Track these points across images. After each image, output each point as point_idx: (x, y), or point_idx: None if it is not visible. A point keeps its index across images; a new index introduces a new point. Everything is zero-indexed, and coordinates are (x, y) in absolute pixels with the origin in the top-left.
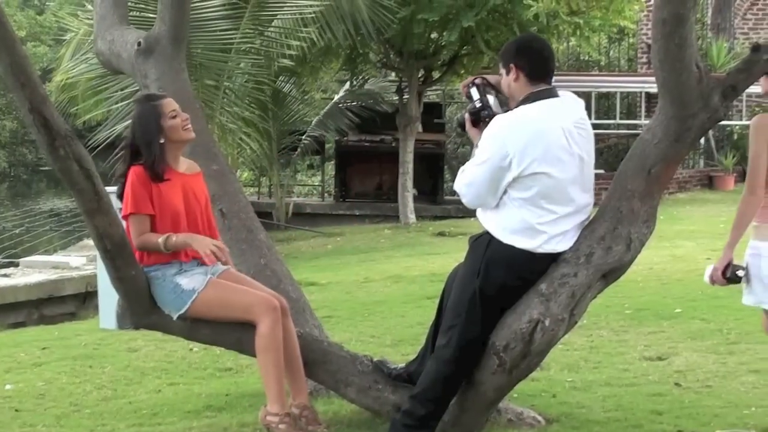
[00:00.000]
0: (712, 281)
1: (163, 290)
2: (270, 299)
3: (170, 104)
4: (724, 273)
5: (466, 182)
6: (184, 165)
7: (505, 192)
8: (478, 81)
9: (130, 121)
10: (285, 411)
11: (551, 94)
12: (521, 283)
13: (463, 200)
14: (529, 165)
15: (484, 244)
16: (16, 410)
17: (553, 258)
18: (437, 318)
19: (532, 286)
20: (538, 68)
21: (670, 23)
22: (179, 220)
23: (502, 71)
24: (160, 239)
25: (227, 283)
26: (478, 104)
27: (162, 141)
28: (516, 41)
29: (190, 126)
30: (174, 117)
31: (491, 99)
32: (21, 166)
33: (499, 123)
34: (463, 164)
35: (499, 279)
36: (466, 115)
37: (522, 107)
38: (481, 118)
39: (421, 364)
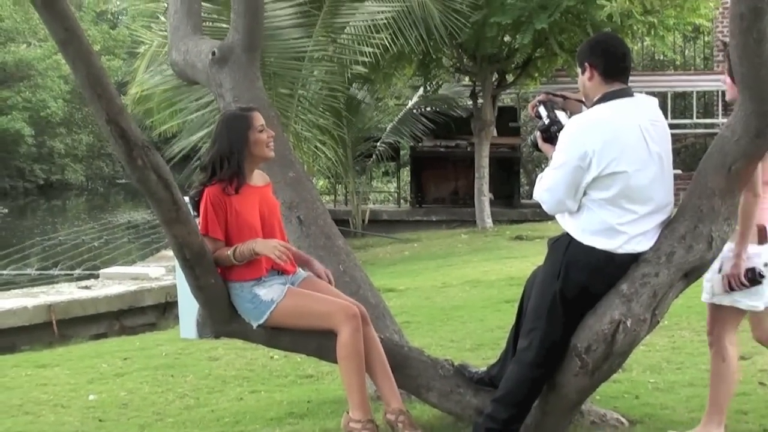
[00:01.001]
0: (731, 287)
1: (242, 300)
2: (349, 306)
3: (260, 118)
4: (746, 275)
5: (546, 188)
6: (256, 177)
7: (584, 194)
8: (543, 98)
9: (206, 131)
10: (368, 417)
11: (626, 93)
12: (602, 284)
13: (544, 207)
14: (609, 164)
15: (564, 245)
16: (100, 420)
17: (633, 258)
18: (517, 321)
19: (613, 287)
20: (613, 66)
21: (748, 18)
22: (255, 233)
23: (578, 70)
24: (229, 251)
25: (306, 291)
26: (547, 120)
27: (245, 153)
28: (590, 40)
29: (272, 145)
30: (261, 131)
31: (560, 114)
32: (98, 180)
33: (576, 124)
34: (539, 167)
35: (580, 281)
36: (537, 134)
37: (597, 107)
38: (552, 134)
39: (502, 367)
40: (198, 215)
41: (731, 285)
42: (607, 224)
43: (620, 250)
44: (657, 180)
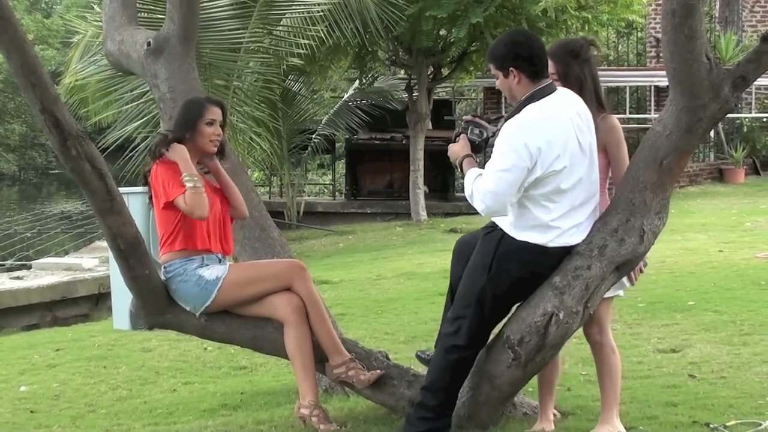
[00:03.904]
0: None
1: (186, 285)
2: (295, 261)
3: (215, 112)
4: None
5: (492, 190)
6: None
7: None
8: (468, 118)
9: (141, 121)
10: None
11: (552, 88)
12: (533, 277)
13: (486, 209)
14: (552, 163)
15: (496, 239)
16: (32, 411)
17: (566, 251)
18: (450, 298)
19: (546, 280)
20: (540, 67)
21: (680, 14)
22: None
23: (497, 73)
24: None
25: (248, 262)
26: (478, 139)
27: (188, 137)
28: (509, 43)
29: (216, 142)
30: (210, 125)
31: (490, 127)
32: (31, 170)
33: (518, 125)
34: None
35: (511, 274)
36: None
37: (530, 107)
38: (489, 144)
39: None
40: (150, 191)
41: (634, 277)
42: (540, 221)
43: (552, 244)
44: (587, 172)
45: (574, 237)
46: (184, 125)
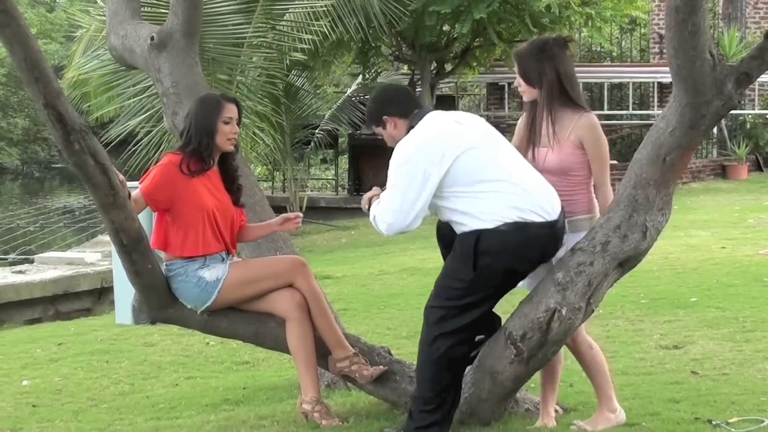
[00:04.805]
0: None
1: (186, 285)
2: (296, 257)
3: (231, 110)
4: None
5: (392, 208)
6: None
7: (449, 200)
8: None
9: (144, 116)
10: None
11: (426, 111)
12: (519, 264)
13: (384, 227)
14: (449, 157)
15: (474, 237)
16: (34, 405)
17: (544, 227)
18: None
19: (549, 275)
20: (410, 104)
21: (684, 10)
22: (209, 216)
23: (377, 130)
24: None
25: (248, 259)
26: None
27: (208, 141)
28: (373, 101)
29: (233, 141)
30: (227, 123)
31: None
32: (33, 164)
33: (404, 145)
34: None
35: (500, 265)
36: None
37: (412, 130)
38: None
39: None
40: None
41: None
42: (483, 208)
43: (524, 219)
44: (499, 150)
45: (533, 215)
46: (202, 127)
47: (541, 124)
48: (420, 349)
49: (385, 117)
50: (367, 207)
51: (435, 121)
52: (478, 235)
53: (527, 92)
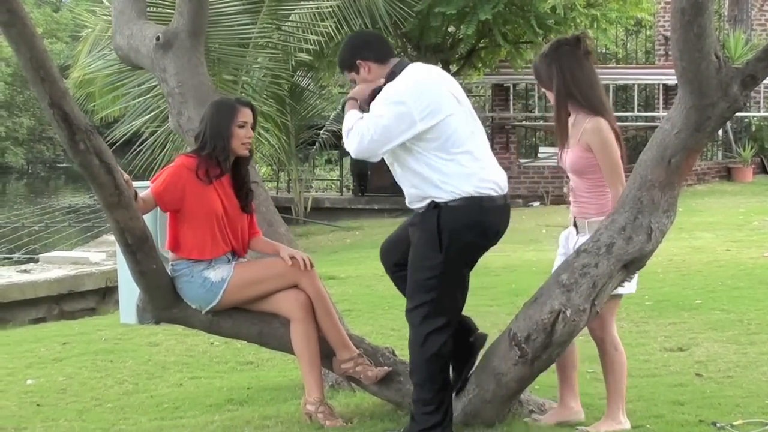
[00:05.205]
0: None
1: (191, 286)
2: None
3: (246, 114)
4: None
5: (369, 136)
6: None
7: (414, 157)
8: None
9: (149, 116)
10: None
11: (406, 63)
12: (482, 238)
13: (353, 146)
14: (433, 114)
15: (434, 216)
16: (38, 405)
17: (496, 201)
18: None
19: (553, 277)
20: (383, 50)
21: (689, 12)
22: (217, 219)
23: (350, 76)
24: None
25: (253, 260)
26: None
27: (224, 146)
28: (347, 46)
29: (248, 145)
30: (241, 127)
31: None
32: (39, 163)
33: (395, 85)
34: None
35: (464, 240)
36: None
37: (399, 76)
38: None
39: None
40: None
41: None
42: (450, 171)
43: (478, 192)
44: (468, 118)
45: (492, 187)
46: (217, 132)
47: (560, 124)
48: (411, 352)
49: (358, 61)
50: (349, 108)
51: (425, 68)
52: (438, 212)
53: (548, 94)
